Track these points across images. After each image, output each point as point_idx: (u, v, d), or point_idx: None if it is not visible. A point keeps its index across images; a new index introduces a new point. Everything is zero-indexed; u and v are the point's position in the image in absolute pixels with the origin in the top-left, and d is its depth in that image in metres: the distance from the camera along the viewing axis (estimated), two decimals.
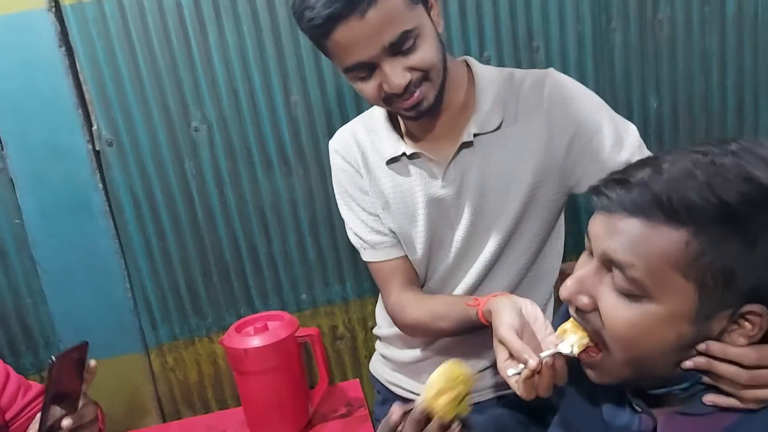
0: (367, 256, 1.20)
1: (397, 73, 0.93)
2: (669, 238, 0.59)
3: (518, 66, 1.58)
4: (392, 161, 1.12)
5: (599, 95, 1.09)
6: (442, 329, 1.09)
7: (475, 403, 1.17)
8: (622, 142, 1.04)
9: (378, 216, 1.17)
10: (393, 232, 1.17)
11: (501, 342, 0.83)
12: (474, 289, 1.15)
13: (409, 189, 1.12)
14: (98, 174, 1.50)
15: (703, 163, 0.59)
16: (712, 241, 0.58)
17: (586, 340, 0.70)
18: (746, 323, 0.61)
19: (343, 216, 1.22)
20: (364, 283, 1.70)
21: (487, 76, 1.09)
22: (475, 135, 1.05)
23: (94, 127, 1.49)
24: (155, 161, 1.53)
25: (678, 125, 1.70)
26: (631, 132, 1.05)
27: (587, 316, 0.68)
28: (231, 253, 1.62)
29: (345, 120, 1.36)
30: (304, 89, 1.53)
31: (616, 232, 0.63)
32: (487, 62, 1.56)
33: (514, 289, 1.15)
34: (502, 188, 1.08)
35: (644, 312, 0.62)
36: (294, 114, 1.54)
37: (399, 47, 0.92)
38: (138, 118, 1.49)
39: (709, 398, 0.66)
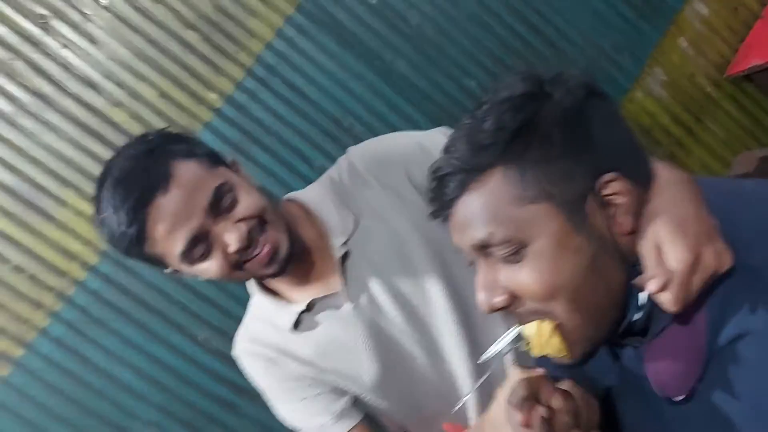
0: None
1: (230, 228, 0.89)
2: (492, 187, 0.63)
3: None
4: (296, 325, 1.03)
5: None
6: None
7: None
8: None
9: (310, 395, 1.05)
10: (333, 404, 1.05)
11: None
12: (473, 346, 1.04)
13: (334, 340, 1.02)
14: None
15: (463, 126, 0.66)
16: (520, 158, 0.62)
17: (547, 326, 0.66)
18: (613, 200, 0.63)
19: (285, 416, 1.08)
20: None
21: (314, 195, 1.07)
22: (343, 244, 1.01)
23: None
24: None
25: None
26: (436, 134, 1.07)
27: (518, 311, 0.66)
28: None
29: None
30: None
31: (463, 225, 0.65)
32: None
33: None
34: (405, 262, 1.02)
35: (534, 257, 0.62)
36: None
37: (219, 206, 0.89)
38: None
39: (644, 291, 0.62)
